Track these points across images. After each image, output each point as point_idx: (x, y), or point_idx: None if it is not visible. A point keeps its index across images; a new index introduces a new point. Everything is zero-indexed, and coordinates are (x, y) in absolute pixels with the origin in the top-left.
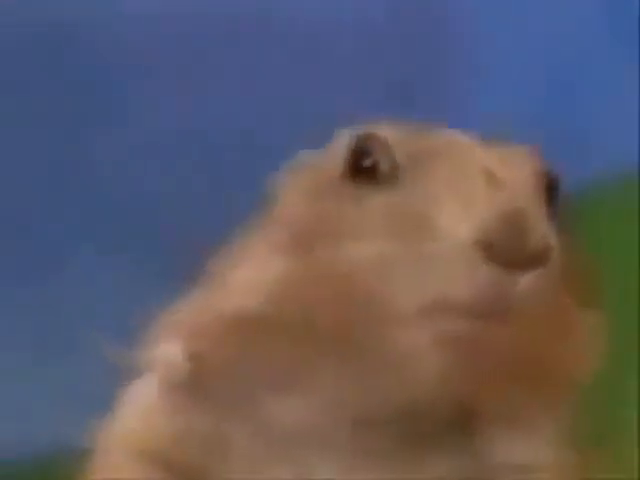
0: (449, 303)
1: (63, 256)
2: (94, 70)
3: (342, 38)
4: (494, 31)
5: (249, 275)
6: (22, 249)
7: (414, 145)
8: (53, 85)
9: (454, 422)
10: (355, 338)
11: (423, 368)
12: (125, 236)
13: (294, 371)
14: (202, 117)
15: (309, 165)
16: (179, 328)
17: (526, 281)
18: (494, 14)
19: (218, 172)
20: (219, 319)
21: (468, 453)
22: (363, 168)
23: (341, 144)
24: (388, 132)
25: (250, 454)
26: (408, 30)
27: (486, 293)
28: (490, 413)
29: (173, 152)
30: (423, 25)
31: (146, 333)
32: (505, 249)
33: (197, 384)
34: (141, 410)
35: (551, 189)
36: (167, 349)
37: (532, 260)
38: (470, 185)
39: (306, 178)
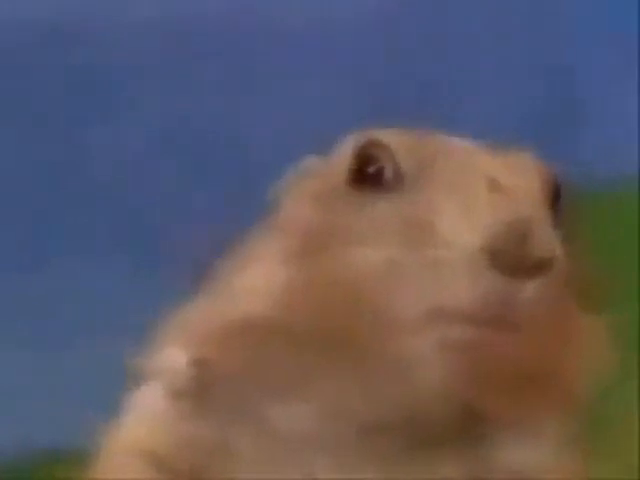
0: (453, 310)
1: (67, 257)
2: (94, 71)
3: (336, 44)
4: (494, 33)
5: (255, 281)
6: (24, 249)
7: (418, 152)
8: (53, 88)
9: (459, 427)
10: (360, 344)
11: (428, 374)
12: (130, 240)
13: (300, 377)
14: (203, 118)
15: (314, 172)
16: (184, 334)
17: (531, 288)
18: (494, 19)
19: (219, 172)
20: (224, 325)
21: (474, 458)
22: (368, 175)
23: (346, 151)
24: (392, 139)
25: (255, 460)
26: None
27: (490, 300)
28: (495, 418)
29: (175, 153)
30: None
31: (151, 338)
32: (509, 256)
33: (202, 390)
34: (146, 416)
35: (555, 196)
36: (172, 355)
37: (537, 267)
38: (474, 192)
39: (311, 185)
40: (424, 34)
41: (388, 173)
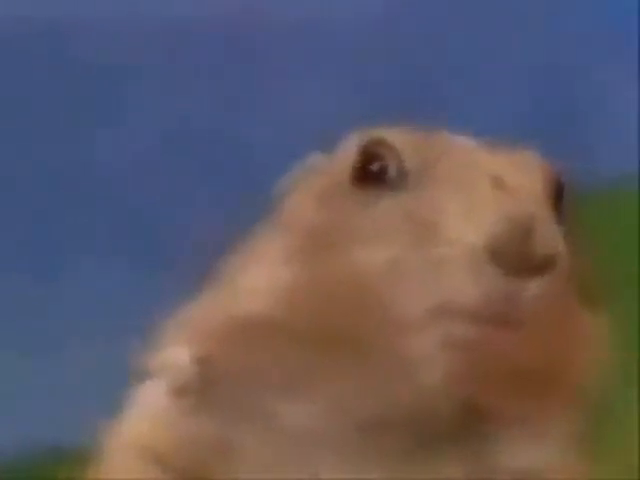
0: (457, 308)
1: (67, 257)
2: (95, 71)
3: (336, 44)
4: (494, 33)
5: (258, 279)
6: (24, 249)
7: (422, 150)
8: (53, 88)
9: (463, 425)
10: (364, 342)
11: (431, 372)
12: (131, 240)
13: (303, 375)
14: (203, 118)
15: (317, 170)
16: (187, 331)
17: (534, 286)
18: (494, 19)
19: (220, 172)
20: (228, 323)
21: (477, 457)
22: (371, 173)
23: (349, 149)
24: (396, 137)
25: (258, 458)
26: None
27: (494, 298)
28: (498, 416)
29: (176, 153)
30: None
31: (154, 336)
32: (513, 254)
33: (205, 388)
34: (149, 413)
35: (558, 194)
36: (175, 352)
37: (540, 265)
38: (478, 190)
39: (315, 182)
40: (424, 34)
41: (392, 171)
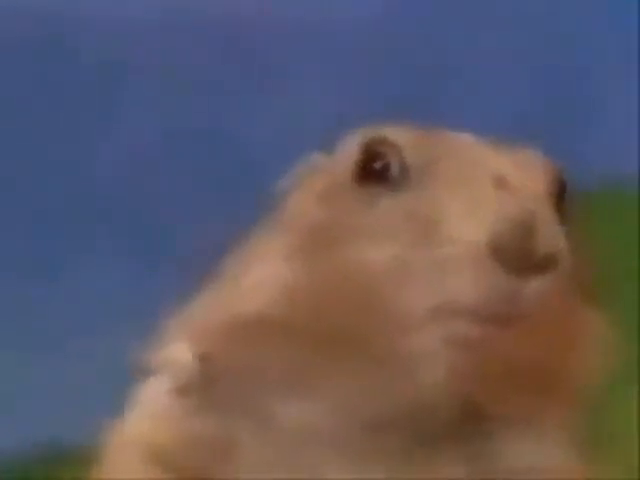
0: (459, 306)
1: (67, 257)
2: (96, 71)
3: (336, 44)
4: (495, 33)
5: (260, 278)
6: (25, 250)
7: (425, 148)
8: (54, 88)
9: (464, 424)
10: (365, 341)
11: (433, 370)
12: (132, 240)
13: (305, 374)
14: (204, 118)
15: (319, 168)
16: (189, 329)
17: (536, 285)
18: (495, 19)
19: (221, 172)
20: (229, 321)
21: (478, 455)
22: (374, 171)
23: (351, 147)
24: (399, 135)
25: (259, 456)
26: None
27: (495, 296)
28: (500, 416)
29: (176, 153)
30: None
31: (156, 334)
32: (515, 253)
33: (207, 386)
34: (151, 412)
35: (561, 193)
36: (177, 350)
37: (542, 264)
38: (480, 189)
39: (317, 181)
40: (424, 34)
41: (394, 169)
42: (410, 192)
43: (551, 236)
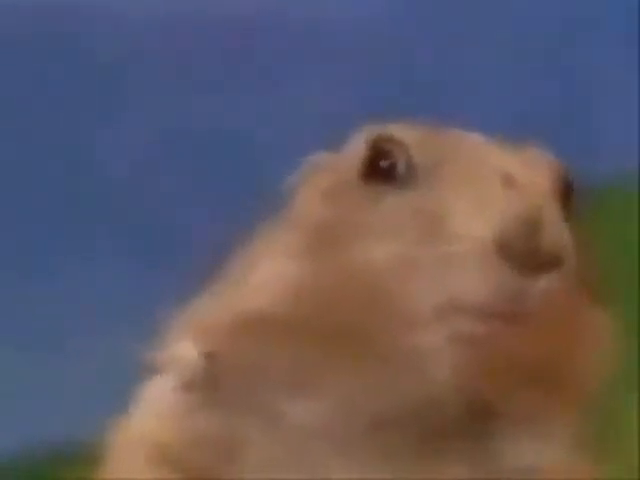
0: (465, 304)
1: (67, 257)
2: (96, 70)
3: (337, 44)
4: (495, 34)
5: (266, 276)
6: (25, 250)
7: (431, 146)
8: (55, 89)
9: (469, 423)
10: (372, 338)
11: (439, 368)
12: (140, 235)
13: (310, 371)
14: (204, 118)
15: (326, 166)
16: (195, 327)
17: (542, 283)
18: (495, 20)
19: (221, 171)
20: (235, 319)
21: (483, 454)
22: (380, 169)
23: (358, 145)
24: (405, 133)
25: (265, 455)
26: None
27: (502, 294)
28: (505, 414)
29: (177, 152)
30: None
31: (162, 332)
32: (521, 250)
33: (212, 384)
34: (156, 410)
35: (567, 191)
36: (182, 347)
37: (548, 261)
38: (487, 187)
39: (323, 179)
40: (425, 34)
41: (401, 167)
42: (416, 190)
43: (557, 234)
